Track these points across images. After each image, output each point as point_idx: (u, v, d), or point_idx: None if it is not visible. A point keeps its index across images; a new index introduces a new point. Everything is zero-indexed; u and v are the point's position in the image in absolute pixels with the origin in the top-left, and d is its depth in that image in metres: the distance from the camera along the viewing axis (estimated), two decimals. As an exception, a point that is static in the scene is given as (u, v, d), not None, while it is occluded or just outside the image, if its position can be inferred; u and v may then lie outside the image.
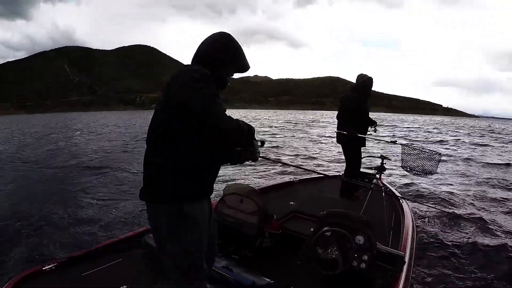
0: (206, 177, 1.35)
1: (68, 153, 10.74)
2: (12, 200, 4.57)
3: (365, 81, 3.81)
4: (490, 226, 4.97)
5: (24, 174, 6.60)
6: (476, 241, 4.20)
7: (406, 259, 2.02)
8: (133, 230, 2.54)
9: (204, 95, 1.17)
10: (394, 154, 10.07)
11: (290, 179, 4.58)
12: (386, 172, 4.56)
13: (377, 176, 4.18)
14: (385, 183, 4.21)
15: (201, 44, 1.42)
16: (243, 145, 1.32)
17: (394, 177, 7.76)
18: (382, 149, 10.04)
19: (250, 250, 2.22)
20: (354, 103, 3.81)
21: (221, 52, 1.38)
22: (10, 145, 13.80)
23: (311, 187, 4.18)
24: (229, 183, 5.72)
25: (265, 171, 7.86)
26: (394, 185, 4.64)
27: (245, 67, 1.46)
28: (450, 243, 4.14)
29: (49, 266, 1.85)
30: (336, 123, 4.03)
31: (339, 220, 2.06)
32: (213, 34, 1.44)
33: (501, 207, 5.86)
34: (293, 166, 3.03)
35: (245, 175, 7.50)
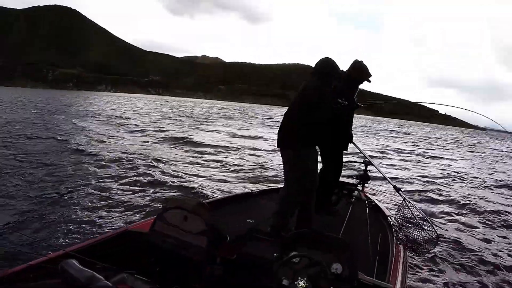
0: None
1: None
2: None
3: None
4: (490, 252, 4.47)
5: None
6: (476, 263, 3.81)
7: None
8: (46, 254, 1.92)
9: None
10: (380, 159, 9.17)
11: (249, 190, 4.00)
12: (371, 181, 4.21)
13: (360, 187, 3.73)
14: (370, 196, 3.73)
15: (323, 64, 2.80)
16: None
17: (381, 188, 6.88)
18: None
19: (197, 280, 1.85)
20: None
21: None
22: None
23: (276, 200, 3.49)
24: (171, 195, 5.06)
25: (216, 178, 6.52)
26: (381, 199, 4.30)
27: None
28: (448, 270, 3.69)
29: None
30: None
31: (310, 242, 1.77)
32: (322, 59, 2.81)
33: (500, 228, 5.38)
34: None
35: (191, 184, 6.01)
